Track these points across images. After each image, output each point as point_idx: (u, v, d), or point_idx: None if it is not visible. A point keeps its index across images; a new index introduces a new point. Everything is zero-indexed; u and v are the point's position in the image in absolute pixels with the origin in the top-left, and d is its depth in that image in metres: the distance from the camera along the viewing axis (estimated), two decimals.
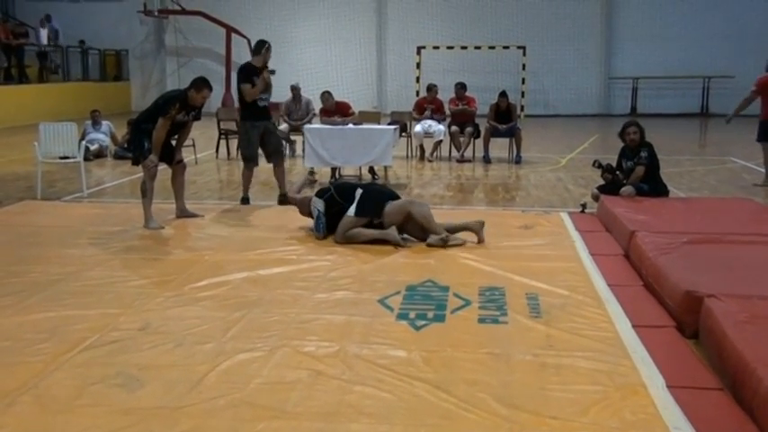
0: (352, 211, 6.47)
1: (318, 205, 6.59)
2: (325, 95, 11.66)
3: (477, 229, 6.51)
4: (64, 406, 3.40)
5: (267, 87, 8.34)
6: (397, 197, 6.73)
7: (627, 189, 7.57)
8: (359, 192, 6.59)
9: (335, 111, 11.51)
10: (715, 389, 3.58)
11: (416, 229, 6.52)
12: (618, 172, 7.90)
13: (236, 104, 8.47)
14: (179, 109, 7.15)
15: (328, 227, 6.57)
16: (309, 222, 6.87)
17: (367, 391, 3.56)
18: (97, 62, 24.67)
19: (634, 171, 7.64)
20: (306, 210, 6.89)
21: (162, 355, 4.01)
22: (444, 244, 6.33)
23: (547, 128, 19.47)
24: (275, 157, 8.64)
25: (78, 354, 4.00)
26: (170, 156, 7.52)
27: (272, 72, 8.84)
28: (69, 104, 19.81)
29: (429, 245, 6.36)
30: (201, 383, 3.63)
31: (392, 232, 6.39)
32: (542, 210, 8.30)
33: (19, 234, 6.92)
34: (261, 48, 8.29)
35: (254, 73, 8.19)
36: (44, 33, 22.06)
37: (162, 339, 4.22)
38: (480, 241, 6.44)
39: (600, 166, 8.07)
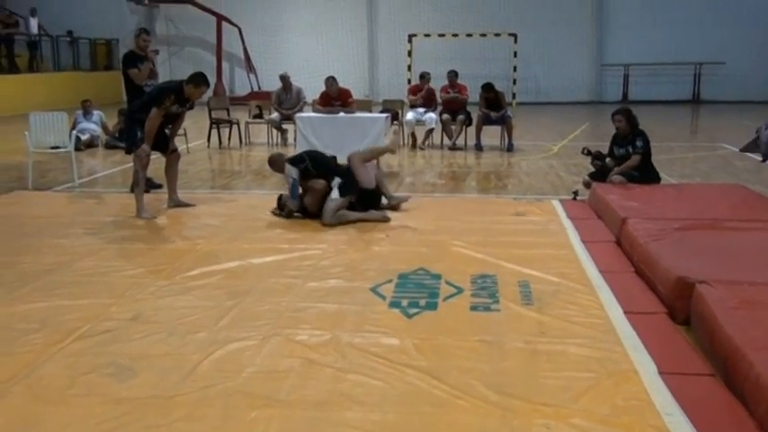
0: (335, 194, 6.78)
1: (293, 173, 6.86)
2: (330, 81, 11.60)
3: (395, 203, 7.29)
4: (56, 396, 3.40)
5: (153, 75, 8.74)
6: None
7: (617, 178, 7.57)
8: (337, 180, 6.88)
9: (338, 97, 11.47)
10: (706, 375, 3.59)
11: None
12: (608, 158, 7.91)
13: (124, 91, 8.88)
14: (174, 100, 7.12)
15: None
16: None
17: (359, 379, 3.57)
18: (87, 52, 24.51)
19: (630, 159, 7.63)
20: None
21: (154, 344, 4.01)
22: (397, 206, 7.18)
23: (539, 115, 19.46)
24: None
25: (70, 344, 3.99)
26: (164, 145, 7.51)
27: (156, 52, 9.55)
28: (60, 94, 19.67)
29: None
30: (194, 372, 3.63)
31: (373, 212, 6.84)
32: (534, 197, 8.31)
33: (10, 224, 6.89)
34: (135, 37, 8.87)
35: (137, 59, 8.51)
36: (34, 23, 21.91)
37: (154, 329, 4.21)
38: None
39: (589, 153, 8.08)
